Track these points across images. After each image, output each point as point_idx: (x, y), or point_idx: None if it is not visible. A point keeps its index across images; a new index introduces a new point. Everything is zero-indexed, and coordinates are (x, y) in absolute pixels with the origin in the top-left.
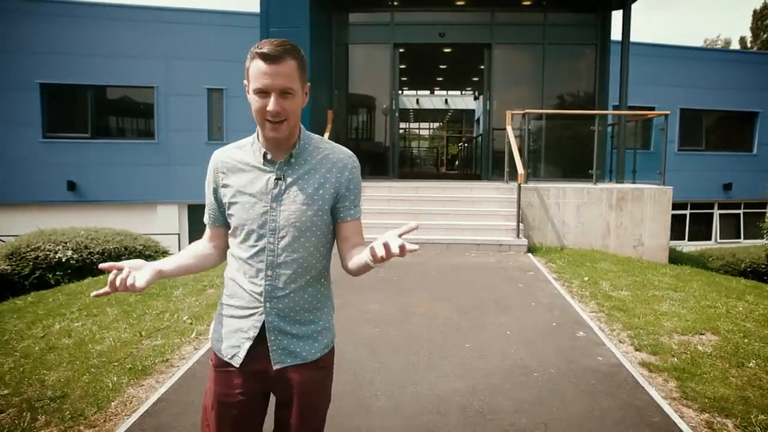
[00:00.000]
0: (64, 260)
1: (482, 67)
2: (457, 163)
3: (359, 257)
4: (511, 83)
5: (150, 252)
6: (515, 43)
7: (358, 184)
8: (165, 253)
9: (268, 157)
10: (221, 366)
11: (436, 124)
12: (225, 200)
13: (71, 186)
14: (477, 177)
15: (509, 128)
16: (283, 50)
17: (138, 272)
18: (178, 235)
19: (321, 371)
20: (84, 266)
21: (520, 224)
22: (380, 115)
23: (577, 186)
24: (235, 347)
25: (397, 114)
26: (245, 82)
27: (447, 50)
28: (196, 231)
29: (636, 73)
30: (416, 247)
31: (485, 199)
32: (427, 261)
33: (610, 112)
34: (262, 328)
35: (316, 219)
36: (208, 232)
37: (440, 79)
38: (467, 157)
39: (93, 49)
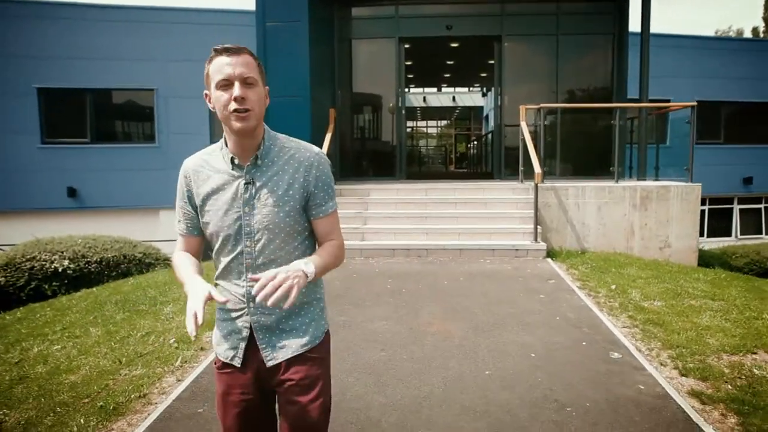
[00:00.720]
0: (60, 270)
1: (491, 61)
2: (465, 161)
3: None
4: (523, 77)
5: (150, 260)
6: (527, 34)
7: (327, 180)
8: (166, 260)
9: (236, 161)
10: (223, 368)
11: (444, 122)
12: (200, 208)
13: (71, 192)
14: (489, 176)
15: (523, 124)
16: (240, 47)
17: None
18: None
19: (314, 361)
20: (81, 276)
21: (538, 227)
22: (386, 113)
23: (597, 185)
24: (233, 349)
25: (403, 112)
26: (206, 91)
27: (454, 45)
28: None
29: (650, 64)
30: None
31: (499, 201)
32: (438, 269)
33: (632, 104)
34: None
35: (289, 219)
36: (182, 243)
37: (447, 75)
38: (477, 155)
39: (91, 52)
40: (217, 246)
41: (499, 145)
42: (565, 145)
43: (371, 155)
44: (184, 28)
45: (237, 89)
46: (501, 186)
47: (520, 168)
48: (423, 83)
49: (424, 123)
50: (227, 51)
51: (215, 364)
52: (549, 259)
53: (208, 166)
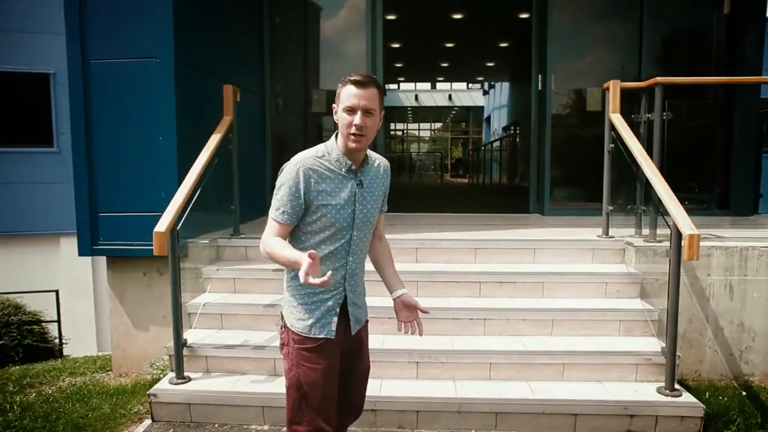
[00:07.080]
0: None
1: (504, 44)
2: (460, 170)
3: (386, 274)
4: (581, 46)
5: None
6: None
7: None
8: (29, 326)
9: (352, 167)
10: (310, 343)
11: (438, 125)
12: (315, 203)
13: None
14: (516, 205)
15: (616, 118)
16: (369, 79)
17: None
18: (57, 291)
19: (367, 325)
20: None
21: (661, 343)
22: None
23: None
24: (327, 324)
25: (382, 113)
26: (334, 105)
27: (457, 16)
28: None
29: None
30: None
31: (567, 277)
32: None
33: None
34: (342, 304)
35: (376, 213)
36: (277, 229)
37: (445, 65)
38: (475, 163)
39: None
40: (326, 235)
41: (540, 155)
42: (678, 160)
43: None
44: None
45: (358, 118)
46: (561, 239)
47: (606, 207)
48: (414, 77)
49: (415, 126)
50: (357, 84)
51: (297, 344)
52: None
53: (323, 167)
